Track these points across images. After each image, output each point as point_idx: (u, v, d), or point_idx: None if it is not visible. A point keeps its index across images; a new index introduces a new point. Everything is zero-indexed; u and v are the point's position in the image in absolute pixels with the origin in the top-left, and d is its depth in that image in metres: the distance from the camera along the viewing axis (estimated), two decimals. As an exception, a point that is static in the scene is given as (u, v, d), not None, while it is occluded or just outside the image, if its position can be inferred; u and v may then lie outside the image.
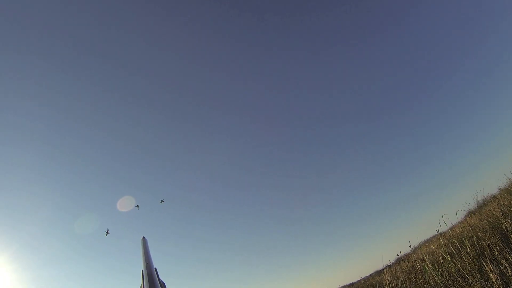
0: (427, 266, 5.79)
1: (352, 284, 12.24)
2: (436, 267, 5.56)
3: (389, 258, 11.91)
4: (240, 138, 40.39)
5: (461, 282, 4.32)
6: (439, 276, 5.08)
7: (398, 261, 9.33)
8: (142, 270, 1.57)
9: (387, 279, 7.56)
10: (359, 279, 12.70)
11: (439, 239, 9.22)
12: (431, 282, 5.34)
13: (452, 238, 7.17)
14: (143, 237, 1.89)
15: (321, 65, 38.38)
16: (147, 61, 36.04)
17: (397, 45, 35.47)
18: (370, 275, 11.69)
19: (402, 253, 9.82)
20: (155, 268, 1.62)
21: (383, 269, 10.08)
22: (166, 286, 1.58)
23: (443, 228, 10.87)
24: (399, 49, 35.76)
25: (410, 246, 8.01)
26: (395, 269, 8.13)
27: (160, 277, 1.59)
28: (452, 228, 9.35)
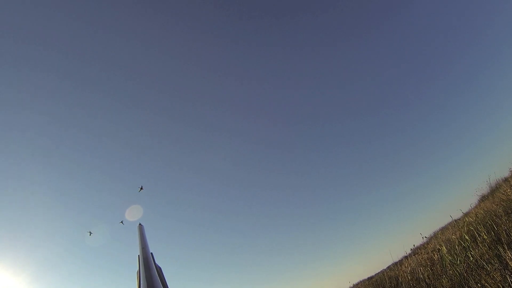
0: (445, 256, 5.74)
1: (370, 278, 12.18)
2: (454, 256, 5.50)
3: (406, 248, 11.82)
4: (240, 138, 40.46)
5: (479, 271, 4.28)
6: (457, 267, 5.03)
7: (415, 251, 9.26)
8: (138, 256, 1.56)
9: (404, 271, 7.51)
10: (377, 272, 12.64)
11: (454, 226, 9.12)
12: (450, 272, 5.29)
13: (468, 225, 7.09)
14: (140, 224, 1.89)
15: (318, 64, 38.29)
16: (146, 62, 36.33)
17: (391, 43, 35.25)
18: (388, 267, 11.59)
19: (418, 243, 9.76)
20: (151, 253, 1.62)
21: (400, 261, 10.00)
22: (162, 271, 1.57)
23: (458, 215, 10.76)
24: (394, 48, 35.53)
25: (425, 237, 7.94)
26: (412, 260, 8.07)
27: (157, 262, 1.58)
28: (467, 214, 9.24)
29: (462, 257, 5.17)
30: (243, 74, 39.22)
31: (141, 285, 1.33)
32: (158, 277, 1.41)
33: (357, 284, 12.47)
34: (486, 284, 3.86)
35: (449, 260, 5.40)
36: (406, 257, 9.61)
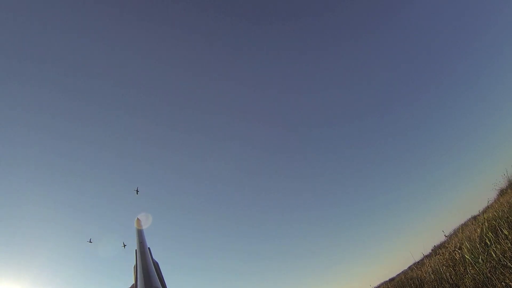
0: (466, 255, 5.65)
1: (392, 279, 11.98)
2: (476, 254, 5.41)
3: (426, 248, 11.61)
4: (240, 142, 40.49)
5: (503, 270, 4.22)
6: (479, 265, 4.95)
7: (435, 251, 9.10)
8: (136, 250, 1.57)
9: (426, 271, 7.39)
10: (399, 273, 12.43)
11: (474, 223, 8.93)
12: (472, 271, 5.20)
13: (488, 221, 6.95)
14: (137, 218, 1.91)
15: (316, 66, 38.20)
16: (149, 68, 36.79)
17: (392, 45, 34.97)
18: (409, 267, 11.40)
19: (438, 242, 9.58)
20: (149, 248, 1.62)
21: (421, 261, 9.83)
22: (159, 266, 1.57)
23: (478, 210, 10.53)
24: (394, 49, 35.24)
25: (446, 236, 7.82)
26: (434, 260, 7.94)
27: (154, 257, 1.58)
28: (486, 210, 9.05)
29: (484, 256, 5.09)
30: (244, 78, 39.46)
31: (138, 279, 1.34)
32: (155, 272, 1.42)
33: (378, 286, 12.28)
34: (510, 283, 3.81)
35: (471, 259, 5.32)
36: (427, 256, 9.45)
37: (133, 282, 1.48)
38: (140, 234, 1.75)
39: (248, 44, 37.71)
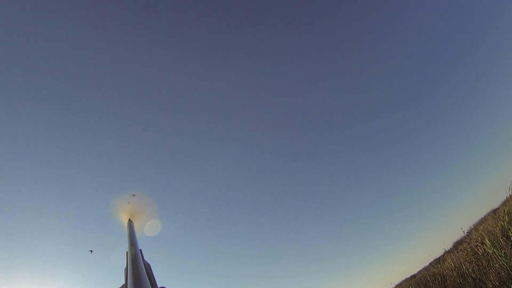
0: (489, 250, 5.66)
1: (413, 276, 11.91)
2: (499, 249, 5.42)
3: (447, 243, 11.50)
4: (240, 142, 40.18)
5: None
6: (503, 259, 4.98)
7: (456, 246, 9.06)
8: (127, 252, 1.55)
9: (448, 267, 7.38)
10: (420, 269, 12.34)
11: (493, 216, 8.86)
12: (496, 265, 5.22)
13: (508, 214, 6.91)
14: (129, 219, 1.88)
15: (318, 67, 37.91)
16: (143, 66, 36.68)
17: (395, 44, 34.48)
18: (430, 264, 11.33)
19: (459, 237, 9.52)
20: (140, 250, 1.59)
21: (442, 256, 9.78)
22: (151, 267, 1.55)
23: (497, 203, 10.39)
24: (397, 49, 34.73)
25: (464, 231, 7.80)
26: (456, 255, 7.92)
27: (145, 259, 1.56)
28: (506, 202, 8.96)
29: (507, 250, 5.11)
30: (245, 79, 39.36)
31: (128, 281, 1.32)
32: (146, 274, 1.39)
33: (400, 284, 12.23)
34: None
35: (494, 254, 5.34)
36: (448, 252, 9.41)
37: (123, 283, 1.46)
38: (131, 235, 1.71)
39: (248, 45, 37.81)
